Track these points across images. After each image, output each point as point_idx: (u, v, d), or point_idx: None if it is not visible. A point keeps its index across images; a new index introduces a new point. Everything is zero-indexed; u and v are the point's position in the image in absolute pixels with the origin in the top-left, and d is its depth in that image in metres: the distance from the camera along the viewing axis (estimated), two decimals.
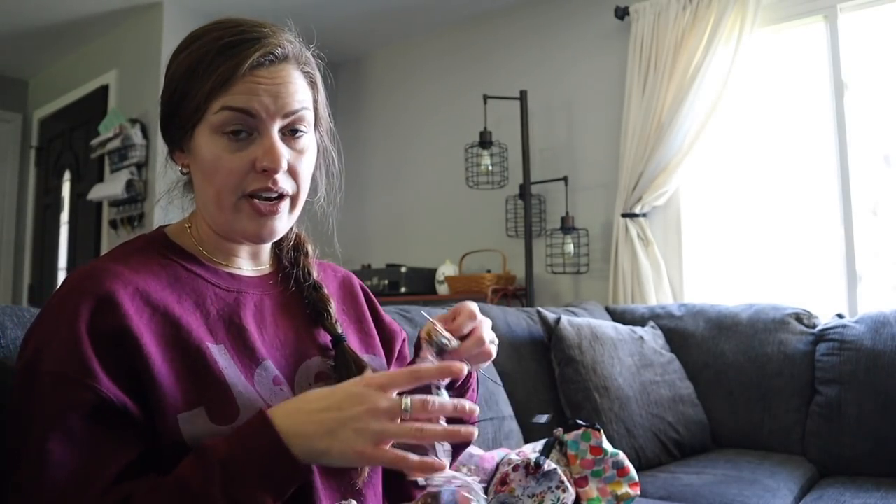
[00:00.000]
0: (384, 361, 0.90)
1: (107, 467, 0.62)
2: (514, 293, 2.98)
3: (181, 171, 0.82)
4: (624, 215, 2.72)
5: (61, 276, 3.97)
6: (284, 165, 0.74)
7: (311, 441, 0.61)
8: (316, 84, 0.81)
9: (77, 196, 3.81)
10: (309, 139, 0.78)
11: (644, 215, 2.72)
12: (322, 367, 0.81)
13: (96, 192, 3.45)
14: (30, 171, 4.35)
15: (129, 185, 3.26)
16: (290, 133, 0.76)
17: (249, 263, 0.84)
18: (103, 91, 3.67)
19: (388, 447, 0.61)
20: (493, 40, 3.41)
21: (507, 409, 1.65)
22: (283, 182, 0.75)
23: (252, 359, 0.75)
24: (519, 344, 1.85)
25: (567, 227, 2.82)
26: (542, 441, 1.27)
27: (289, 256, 0.87)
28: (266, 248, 0.86)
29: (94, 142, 3.48)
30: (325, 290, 0.86)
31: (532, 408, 1.78)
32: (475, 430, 0.62)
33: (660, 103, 2.64)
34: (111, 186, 3.35)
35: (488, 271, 3.06)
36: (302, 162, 0.77)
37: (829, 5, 2.51)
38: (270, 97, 0.73)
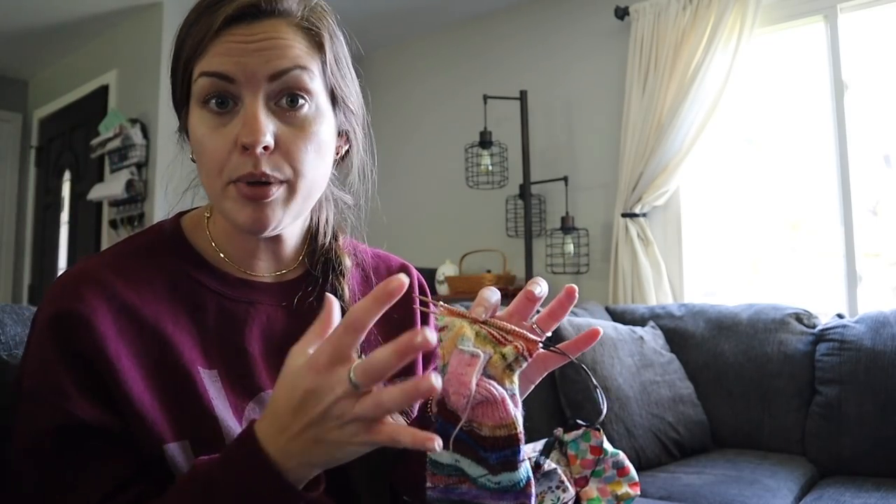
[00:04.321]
0: None
1: (83, 494, 0.56)
2: (514, 293, 2.98)
3: (191, 159, 0.71)
4: (624, 215, 2.72)
5: None
6: (267, 140, 0.60)
7: (306, 458, 0.51)
8: (323, 46, 0.65)
9: (77, 196, 3.81)
10: (313, 113, 0.64)
11: (644, 215, 2.72)
12: None
13: (96, 192, 3.45)
14: (30, 171, 4.35)
15: (129, 185, 3.26)
16: (288, 103, 0.62)
17: (269, 266, 0.72)
18: (103, 91, 3.67)
19: (382, 424, 0.49)
20: (493, 40, 3.41)
21: None
22: (268, 166, 0.61)
23: (247, 389, 0.65)
24: None
25: (567, 227, 2.82)
26: (542, 441, 1.27)
27: (319, 266, 0.74)
28: (288, 247, 0.73)
29: (94, 142, 3.48)
30: None
31: (532, 408, 1.77)
32: (436, 380, 0.47)
33: (660, 103, 2.64)
34: (111, 186, 3.35)
35: (488, 271, 3.06)
36: (300, 140, 0.62)
37: (829, 5, 2.51)
38: (250, 56, 0.60)
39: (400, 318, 0.77)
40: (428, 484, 0.56)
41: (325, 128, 0.65)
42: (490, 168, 2.93)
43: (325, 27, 0.66)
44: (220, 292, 0.68)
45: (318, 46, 0.65)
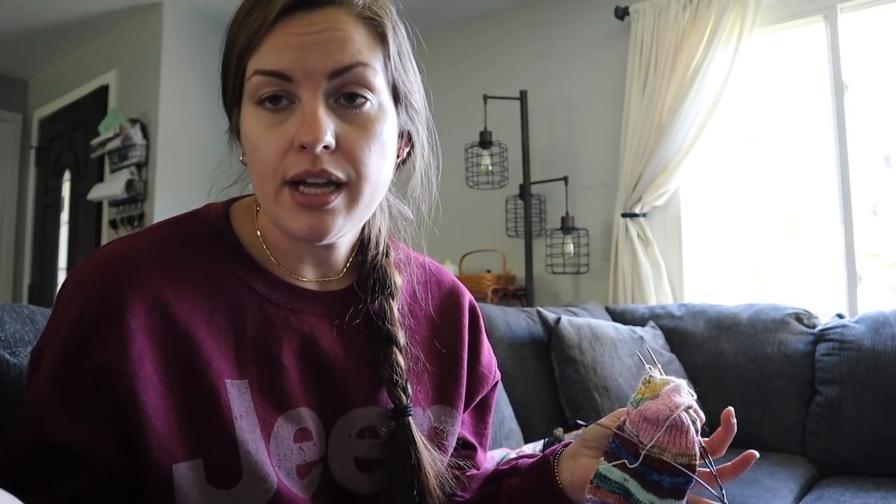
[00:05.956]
0: (458, 416, 0.72)
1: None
2: (514, 293, 2.98)
3: (241, 161, 0.65)
4: (624, 215, 2.72)
5: (61, 276, 3.97)
6: (328, 139, 0.55)
7: None
8: (386, 38, 0.61)
9: (77, 196, 3.81)
10: (376, 111, 0.59)
11: (644, 215, 2.72)
12: (374, 421, 0.66)
13: (96, 192, 3.45)
14: (30, 171, 4.35)
15: (129, 185, 3.26)
16: (347, 100, 0.58)
17: (315, 271, 0.67)
18: (103, 91, 3.67)
19: None
20: (493, 40, 3.41)
21: (507, 410, 1.65)
22: (330, 164, 0.57)
23: (278, 405, 0.61)
24: (519, 344, 1.85)
25: (567, 227, 2.82)
26: (542, 441, 1.27)
27: (369, 283, 0.69)
28: (339, 255, 0.68)
29: (94, 142, 3.48)
30: (399, 347, 0.67)
31: (532, 408, 1.78)
32: None
33: (660, 103, 2.64)
34: (111, 186, 3.35)
35: (488, 271, 3.06)
36: (362, 139, 0.58)
37: (829, 5, 2.51)
38: (308, 51, 0.56)
39: (448, 341, 0.74)
40: (588, 496, 0.58)
41: (388, 127, 0.61)
42: (490, 168, 2.93)
43: (388, 17, 0.62)
44: (263, 295, 0.63)
45: (381, 38, 0.61)
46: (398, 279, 0.70)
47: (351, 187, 0.59)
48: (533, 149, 3.04)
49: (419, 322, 0.72)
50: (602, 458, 0.59)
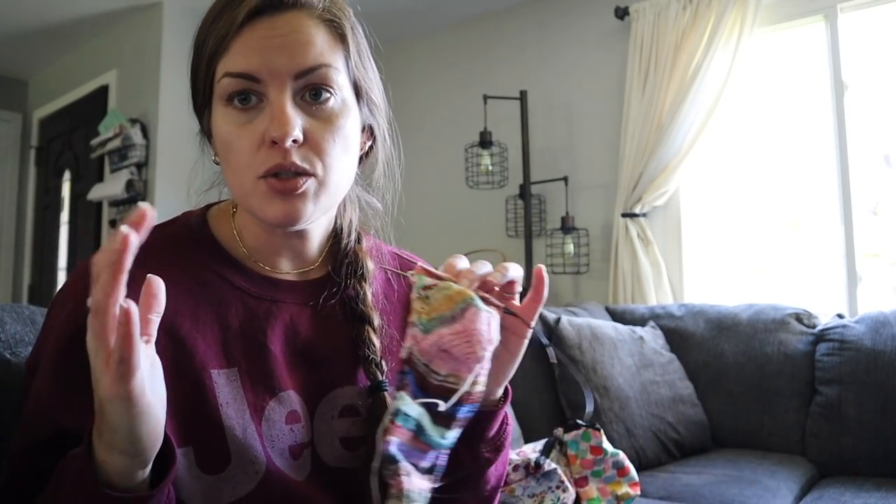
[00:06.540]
0: None
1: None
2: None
3: (214, 161, 0.70)
4: (624, 215, 2.72)
5: (61, 276, 3.97)
6: (296, 134, 0.59)
7: (106, 438, 0.48)
8: (346, 38, 0.65)
9: (77, 196, 3.81)
10: (339, 106, 0.63)
11: (644, 215, 2.72)
12: (353, 400, 0.69)
13: (96, 192, 3.45)
14: (30, 171, 4.35)
15: (129, 185, 3.26)
16: (312, 97, 0.62)
17: (291, 263, 0.71)
18: (103, 91, 3.67)
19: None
20: (493, 40, 3.41)
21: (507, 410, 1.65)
22: (298, 157, 0.60)
23: (268, 388, 0.65)
24: None
25: (567, 227, 2.82)
26: (542, 441, 1.27)
27: (343, 269, 0.73)
28: (312, 245, 0.72)
29: (94, 142, 3.48)
30: (373, 327, 0.71)
31: (532, 408, 1.78)
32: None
33: (660, 103, 2.64)
34: (111, 186, 3.35)
35: None
36: (327, 133, 0.62)
37: (829, 5, 2.51)
38: (274, 53, 0.60)
39: None
40: (388, 436, 0.54)
41: (351, 122, 0.65)
42: (490, 168, 2.93)
43: (347, 18, 0.66)
44: (243, 289, 0.67)
45: (341, 38, 0.65)
46: (370, 264, 0.75)
47: (318, 178, 0.62)
48: (533, 149, 3.04)
49: (394, 306, 0.77)
50: (398, 392, 0.55)
